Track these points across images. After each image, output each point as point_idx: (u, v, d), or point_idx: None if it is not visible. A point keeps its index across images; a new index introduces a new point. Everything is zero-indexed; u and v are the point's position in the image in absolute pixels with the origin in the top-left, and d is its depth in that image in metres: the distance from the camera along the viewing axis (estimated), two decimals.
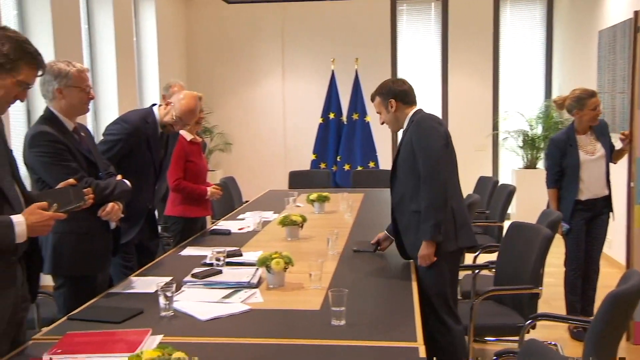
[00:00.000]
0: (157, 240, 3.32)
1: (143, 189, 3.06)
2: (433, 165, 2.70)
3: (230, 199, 5.09)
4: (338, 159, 7.21)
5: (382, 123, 3.01)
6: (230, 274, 2.66)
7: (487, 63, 7.94)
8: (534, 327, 2.72)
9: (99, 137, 3.14)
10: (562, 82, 7.66)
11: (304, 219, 3.53)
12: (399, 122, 2.93)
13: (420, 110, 2.88)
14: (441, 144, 2.72)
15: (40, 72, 1.94)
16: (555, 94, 7.73)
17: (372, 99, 3.00)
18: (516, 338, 2.74)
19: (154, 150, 3.10)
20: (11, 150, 2.03)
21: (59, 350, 1.82)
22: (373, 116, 7.40)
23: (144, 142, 3.05)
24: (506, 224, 3.45)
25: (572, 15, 7.44)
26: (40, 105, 4.59)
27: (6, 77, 1.86)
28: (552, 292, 3.88)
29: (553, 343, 3.47)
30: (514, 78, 8.00)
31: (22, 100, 1.96)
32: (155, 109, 3.19)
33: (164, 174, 3.30)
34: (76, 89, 2.52)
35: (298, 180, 6.29)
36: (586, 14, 6.81)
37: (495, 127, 7.93)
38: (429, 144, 2.72)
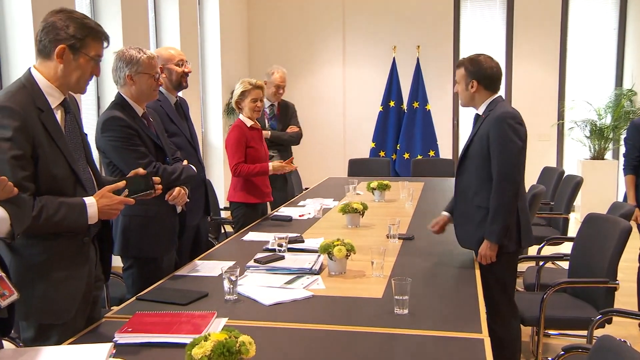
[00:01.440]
0: (206, 218, 3.32)
1: (190, 162, 3.05)
2: (511, 168, 2.64)
3: (290, 186, 5.11)
4: (397, 148, 7.15)
5: (456, 92, 2.95)
6: (292, 260, 2.67)
7: (553, 50, 7.65)
8: (609, 322, 2.61)
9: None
10: (635, 70, 7.30)
11: (365, 207, 3.51)
12: (473, 102, 2.86)
13: (500, 99, 2.81)
14: (520, 146, 2.64)
15: (105, 44, 1.97)
16: (627, 83, 7.38)
17: (458, 66, 2.92)
18: (583, 333, 2.64)
19: (177, 122, 3.10)
20: (86, 135, 2.09)
21: (130, 329, 1.87)
22: (434, 104, 7.31)
23: (165, 118, 3.03)
24: (572, 216, 3.32)
25: None
26: (110, 91, 4.74)
27: (79, 56, 1.91)
28: (622, 288, 3.72)
29: (623, 340, 3.32)
30: (582, 65, 7.68)
31: (97, 75, 2.00)
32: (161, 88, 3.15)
33: (197, 142, 3.29)
34: (146, 75, 2.57)
35: (357, 168, 6.27)
36: None
37: (560, 116, 7.66)
38: (508, 146, 2.65)
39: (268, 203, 4.13)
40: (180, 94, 3.26)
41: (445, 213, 3.06)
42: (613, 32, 7.64)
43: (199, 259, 2.86)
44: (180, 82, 3.14)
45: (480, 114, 2.84)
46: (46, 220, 1.79)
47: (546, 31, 7.62)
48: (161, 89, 3.11)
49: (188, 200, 2.72)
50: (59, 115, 1.93)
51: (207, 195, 3.33)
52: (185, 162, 2.79)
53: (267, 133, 4.57)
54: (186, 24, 6.21)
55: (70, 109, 1.99)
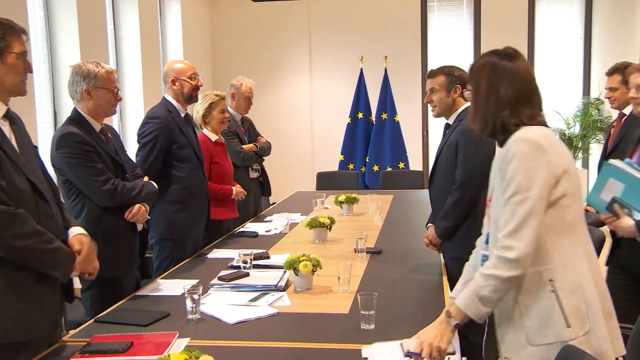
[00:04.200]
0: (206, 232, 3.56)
1: (198, 175, 3.36)
2: (472, 177, 2.73)
3: (257, 201, 5.12)
4: (366, 160, 7.19)
5: (428, 102, 3.00)
6: (257, 277, 2.67)
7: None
8: None
9: (125, 139, 3.24)
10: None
11: (332, 221, 3.53)
12: (449, 111, 2.94)
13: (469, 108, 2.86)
14: (485, 156, 2.66)
15: (25, 37, 1.97)
16: (594, 92, 7.60)
17: (432, 75, 2.98)
18: None
19: (187, 134, 3.31)
20: (36, 147, 2.08)
21: (87, 354, 1.85)
22: (402, 116, 7.39)
23: (176, 130, 3.26)
24: None
25: (614, 9, 7.31)
26: (66, 107, 4.70)
27: (6, 57, 1.90)
28: None
29: None
30: (550, 74, 7.87)
31: (30, 72, 1.99)
32: (167, 96, 3.37)
33: (202, 155, 3.49)
34: (104, 90, 2.58)
35: (326, 182, 6.29)
36: (629, 6, 6.68)
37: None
38: (474, 155, 2.74)
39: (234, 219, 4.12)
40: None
41: (431, 225, 3.11)
42: (579, 41, 7.88)
43: (160, 278, 2.85)
44: (192, 95, 3.37)
45: (451, 123, 2.92)
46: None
47: (514, 39, 7.77)
48: (172, 100, 3.33)
49: (149, 217, 2.73)
50: (6, 128, 1.92)
51: (209, 210, 3.48)
52: (146, 179, 2.79)
53: (251, 146, 4.59)
54: (147, 36, 6.20)
55: (15, 119, 1.98)
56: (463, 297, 1.73)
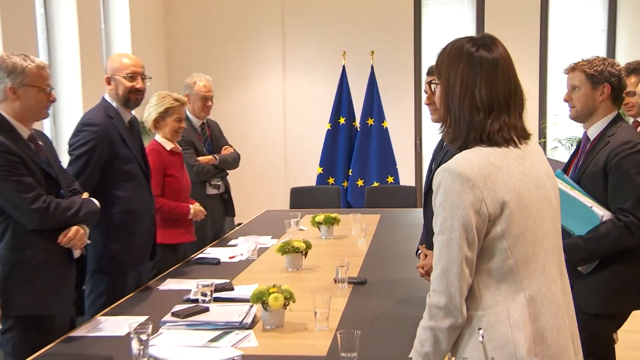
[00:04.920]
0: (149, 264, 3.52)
1: (143, 195, 3.32)
2: None
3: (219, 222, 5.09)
4: (349, 173, 7.20)
5: (428, 104, 2.95)
6: (218, 313, 2.66)
7: (532, 56, 7.93)
8: None
9: (59, 147, 3.20)
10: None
11: (308, 246, 3.53)
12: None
13: None
14: None
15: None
16: None
17: (430, 72, 2.94)
18: None
19: (131, 145, 3.26)
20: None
21: None
22: (392, 121, 7.43)
23: (119, 141, 3.20)
24: None
25: None
26: None
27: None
28: (623, 340, 3.74)
29: None
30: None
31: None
32: (107, 97, 3.31)
33: (149, 170, 3.45)
34: (34, 88, 2.55)
35: (301, 199, 6.30)
36: None
37: (541, 134, 7.92)
38: None
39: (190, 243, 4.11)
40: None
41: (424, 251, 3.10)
42: (602, 33, 7.99)
43: (101, 315, 2.81)
44: (128, 98, 3.27)
45: None
46: None
47: (523, 35, 7.89)
48: (113, 103, 3.27)
49: (88, 242, 2.69)
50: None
51: (155, 236, 3.44)
52: (85, 195, 2.76)
53: (210, 158, 4.59)
54: (86, 23, 6.14)
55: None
56: (412, 354, 1.75)
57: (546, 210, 1.77)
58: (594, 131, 2.86)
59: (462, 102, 1.74)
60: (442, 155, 2.89)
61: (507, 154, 1.73)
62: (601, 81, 2.78)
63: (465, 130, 1.75)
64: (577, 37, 8.03)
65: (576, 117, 2.93)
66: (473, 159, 1.69)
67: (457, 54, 1.79)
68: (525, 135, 1.78)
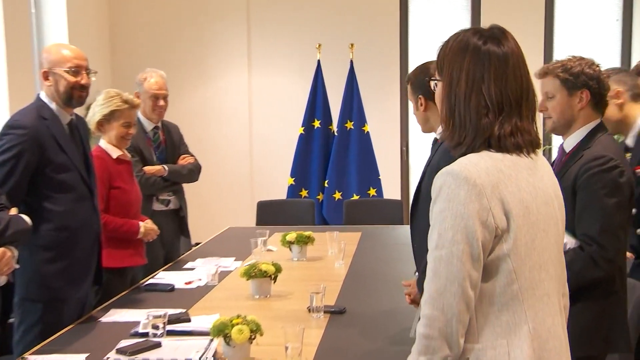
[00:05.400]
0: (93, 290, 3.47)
1: (84, 210, 3.27)
2: None
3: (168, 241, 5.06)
4: (325, 185, 7.19)
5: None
6: (172, 348, 2.63)
7: (536, 51, 7.92)
8: None
9: None
10: None
11: (278, 269, 3.52)
12: (428, 123, 2.98)
13: None
14: None
15: None
16: None
17: (407, 82, 3.03)
18: None
19: (69, 151, 3.21)
20: None
21: None
22: (374, 125, 7.44)
23: (53, 146, 3.14)
24: None
25: None
26: None
27: None
28: None
29: None
30: None
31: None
32: (43, 96, 3.27)
33: (93, 180, 3.41)
34: None
35: (269, 214, 6.29)
36: None
37: (546, 140, 7.96)
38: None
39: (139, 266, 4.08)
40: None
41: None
42: (616, 24, 8.04)
43: (30, 354, 2.76)
44: (71, 96, 3.24)
45: (438, 136, 2.96)
46: None
47: (525, 26, 7.87)
48: (49, 102, 3.24)
49: (17, 266, 2.64)
50: None
51: (100, 257, 3.40)
52: (13, 211, 2.72)
53: (158, 169, 4.57)
54: (12, 6, 6.04)
55: None
56: None
57: (552, 232, 1.78)
58: (570, 143, 2.80)
59: (467, 100, 1.75)
60: (433, 151, 2.91)
61: (517, 162, 1.74)
62: (578, 86, 2.71)
63: (471, 133, 1.76)
64: (588, 28, 8.06)
65: (554, 130, 2.86)
66: (480, 164, 1.69)
67: (461, 48, 1.80)
68: (537, 144, 1.79)
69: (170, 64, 7.65)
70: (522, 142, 1.74)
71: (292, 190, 7.24)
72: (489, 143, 1.73)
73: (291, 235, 4.42)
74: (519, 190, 1.70)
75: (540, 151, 1.83)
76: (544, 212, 1.75)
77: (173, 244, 4.72)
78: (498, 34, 1.80)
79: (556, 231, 1.80)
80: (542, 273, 1.73)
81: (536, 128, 1.81)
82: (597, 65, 2.78)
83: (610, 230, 2.52)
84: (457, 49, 1.81)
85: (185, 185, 4.90)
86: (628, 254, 3.67)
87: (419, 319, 1.70)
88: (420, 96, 2.93)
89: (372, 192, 7.10)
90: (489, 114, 1.73)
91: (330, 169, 7.18)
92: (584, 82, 2.70)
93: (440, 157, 2.78)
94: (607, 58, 7.99)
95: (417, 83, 2.93)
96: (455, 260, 1.63)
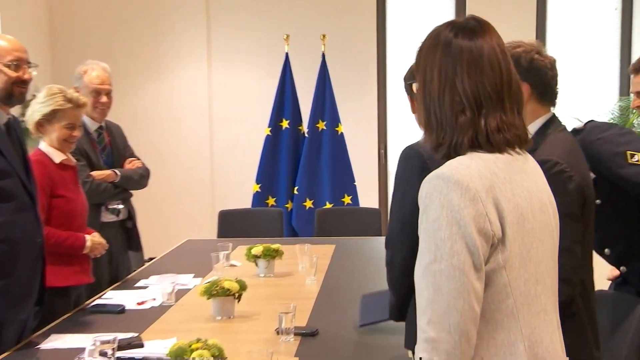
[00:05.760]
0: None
1: (25, 220, 3.22)
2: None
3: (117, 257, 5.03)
4: (294, 192, 7.19)
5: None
6: None
7: (527, 39, 8.00)
8: None
9: None
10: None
11: (243, 287, 3.51)
12: None
13: None
14: None
15: None
16: None
17: (406, 79, 3.01)
18: None
19: (8, 155, 3.16)
20: None
21: None
22: (349, 125, 7.44)
23: None
24: None
25: None
26: None
27: None
28: None
29: None
30: (568, 66, 7.84)
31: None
32: None
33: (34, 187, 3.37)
34: None
35: (232, 225, 6.28)
36: None
37: None
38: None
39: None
40: None
41: None
42: (614, 13, 8.09)
43: None
44: (12, 93, 3.21)
45: None
46: None
47: (516, 10, 7.95)
48: None
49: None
50: None
51: (44, 274, 3.36)
52: None
53: (108, 174, 4.53)
54: None
55: None
56: None
57: (548, 241, 1.80)
58: None
59: (441, 98, 1.78)
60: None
61: (511, 164, 1.76)
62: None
63: (449, 132, 1.77)
64: (583, 18, 8.13)
65: None
66: (472, 166, 1.70)
67: (433, 44, 1.84)
68: (525, 139, 1.81)
69: (119, 57, 7.65)
70: (510, 137, 1.76)
71: (258, 198, 7.23)
72: (477, 143, 1.74)
73: (257, 249, 4.40)
74: (513, 196, 1.71)
75: (529, 156, 1.85)
76: (539, 219, 1.76)
77: (123, 259, 4.68)
78: (472, 25, 1.83)
79: (551, 241, 1.82)
80: (538, 287, 1.74)
81: (523, 122, 1.82)
82: (537, 53, 2.78)
83: (563, 246, 2.32)
84: (429, 46, 1.85)
85: (136, 192, 4.86)
86: (612, 272, 3.71)
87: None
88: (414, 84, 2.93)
89: (347, 199, 7.11)
90: (466, 111, 1.75)
91: (300, 174, 7.18)
92: (522, 74, 2.69)
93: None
94: (606, 49, 8.11)
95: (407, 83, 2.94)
96: (457, 273, 1.62)
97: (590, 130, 3.17)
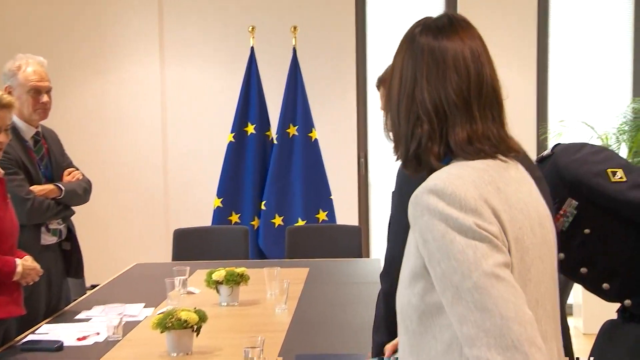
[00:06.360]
0: None
1: None
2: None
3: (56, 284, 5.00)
4: (262, 207, 7.18)
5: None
6: None
7: (527, 43, 8.07)
8: None
9: None
10: None
11: (202, 318, 3.50)
12: None
13: None
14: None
15: None
16: None
17: (378, 86, 3.15)
18: None
19: None
20: None
21: None
22: (324, 130, 7.44)
23: None
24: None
25: None
26: None
27: None
28: None
29: None
30: (574, 67, 8.11)
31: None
32: None
33: None
34: None
35: (190, 246, 6.28)
36: None
37: (541, 146, 8.05)
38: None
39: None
40: None
41: None
42: (627, 5, 8.12)
43: None
44: None
45: None
46: None
47: (515, 12, 8.03)
48: None
49: None
50: None
51: None
52: None
53: (50, 189, 4.50)
54: None
55: None
56: None
57: (547, 260, 1.83)
58: None
59: (400, 107, 1.85)
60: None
61: (503, 172, 1.79)
62: None
63: (404, 146, 1.86)
64: (591, 11, 8.18)
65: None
66: (464, 176, 1.72)
67: (401, 42, 1.91)
68: (509, 147, 1.83)
69: (54, 50, 7.60)
70: (486, 148, 1.80)
71: (219, 215, 7.24)
72: (452, 153, 1.79)
73: (219, 273, 4.38)
74: (510, 208, 1.74)
75: (520, 166, 1.88)
76: (539, 234, 1.79)
77: (62, 287, 4.63)
78: (442, 24, 1.87)
79: (551, 259, 1.85)
80: (539, 310, 1.76)
81: (503, 130, 1.85)
82: None
83: None
84: (400, 45, 1.91)
85: (76, 208, 4.82)
86: None
87: None
88: None
89: (322, 215, 7.13)
90: (423, 124, 1.80)
91: (269, 187, 7.20)
92: None
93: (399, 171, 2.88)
94: (616, 41, 8.17)
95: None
96: (493, 280, 1.63)
97: (560, 153, 3.21)
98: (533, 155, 2.79)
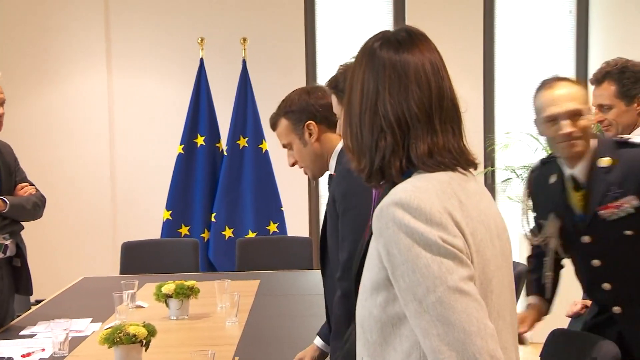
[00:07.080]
0: None
1: None
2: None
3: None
4: (212, 219, 7.16)
5: (293, 165, 3.32)
6: None
7: (473, 52, 8.16)
8: None
9: None
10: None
11: (151, 332, 3.46)
12: (321, 160, 3.18)
13: None
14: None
15: None
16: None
17: (273, 126, 3.32)
18: None
19: None
20: None
21: None
22: (275, 142, 7.38)
23: None
24: None
25: None
26: None
27: None
28: None
29: None
30: (521, 77, 8.15)
31: None
32: None
33: None
34: None
35: (138, 259, 6.25)
36: None
37: (488, 160, 8.10)
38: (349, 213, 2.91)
39: None
40: None
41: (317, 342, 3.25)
42: (569, 16, 8.31)
43: None
44: None
45: (332, 172, 3.18)
46: None
47: (461, 22, 8.11)
48: None
49: None
50: None
51: None
52: None
53: None
54: None
55: None
56: None
57: (506, 271, 1.86)
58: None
59: (363, 119, 1.86)
60: (332, 187, 3.01)
61: (465, 184, 1.82)
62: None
63: (369, 159, 1.86)
64: (536, 23, 8.32)
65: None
66: (429, 189, 1.74)
67: (359, 56, 1.93)
68: (469, 161, 1.87)
69: (4, 64, 7.46)
70: (446, 161, 1.82)
71: (169, 227, 7.23)
72: (414, 165, 1.81)
73: (168, 287, 4.37)
74: (472, 220, 1.77)
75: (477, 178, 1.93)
76: (498, 246, 1.82)
77: (7, 303, 4.56)
78: (402, 38, 1.89)
79: (508, 270, 1.89)
80: (499, 322, 1.78)
81: (463, 143, 1.88)
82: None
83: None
84: (357, 58, 1.93)
85: (27, 228, 4.76)
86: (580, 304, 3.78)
87: None
88: (309, 122, 3.19)
89: (273, 227, 7.14)
90: (387, 136, 1.81)
91: (219, 198, 7.21)
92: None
93: (335, 187, 3.01)
94: (560, 54, 8.33)
95: (298, 110, 3.23)
96: (457, 295, 1.65)
97: None
98: (481, 167, 2.84)
